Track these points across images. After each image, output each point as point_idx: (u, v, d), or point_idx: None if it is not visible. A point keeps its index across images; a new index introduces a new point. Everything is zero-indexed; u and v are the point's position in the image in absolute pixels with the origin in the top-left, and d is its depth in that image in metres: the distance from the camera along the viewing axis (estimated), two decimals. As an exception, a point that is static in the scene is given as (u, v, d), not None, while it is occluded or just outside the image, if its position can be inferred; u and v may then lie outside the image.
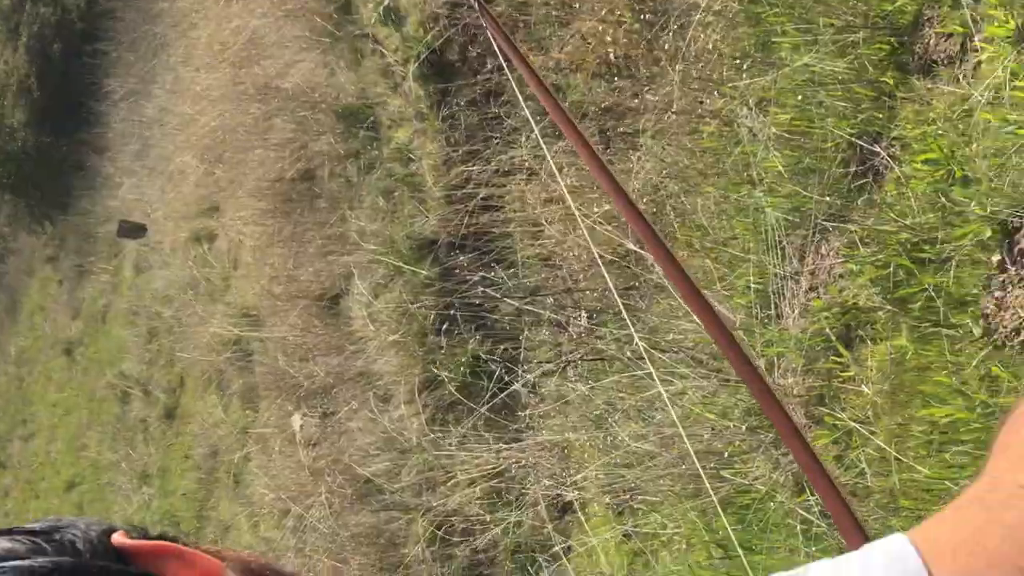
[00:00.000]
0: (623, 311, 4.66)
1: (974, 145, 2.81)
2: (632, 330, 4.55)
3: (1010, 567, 0.60)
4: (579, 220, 4.84)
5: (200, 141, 11.38)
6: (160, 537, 0.99)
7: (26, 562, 0.91)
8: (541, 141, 4.51)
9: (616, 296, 4.52)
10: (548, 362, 5.92)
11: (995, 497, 0.66)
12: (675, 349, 4.29)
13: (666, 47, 4.30)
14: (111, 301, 15.47)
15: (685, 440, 4.11)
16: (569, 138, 1.87)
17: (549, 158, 4.87)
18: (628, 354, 4.65)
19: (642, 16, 4.47)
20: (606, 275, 4.16)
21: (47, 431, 16.41)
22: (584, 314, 5.58)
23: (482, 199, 6.46)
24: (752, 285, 3.79)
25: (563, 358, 5.78)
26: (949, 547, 0.63)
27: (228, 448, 10.15)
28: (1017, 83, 2.65)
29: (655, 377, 4.37)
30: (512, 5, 5.94)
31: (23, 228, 20.65)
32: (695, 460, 4.08)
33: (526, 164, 5.88)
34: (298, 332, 8.70)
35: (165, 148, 13.32)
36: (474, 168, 6.48)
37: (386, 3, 7.43)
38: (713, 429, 3.89)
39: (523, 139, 5.86)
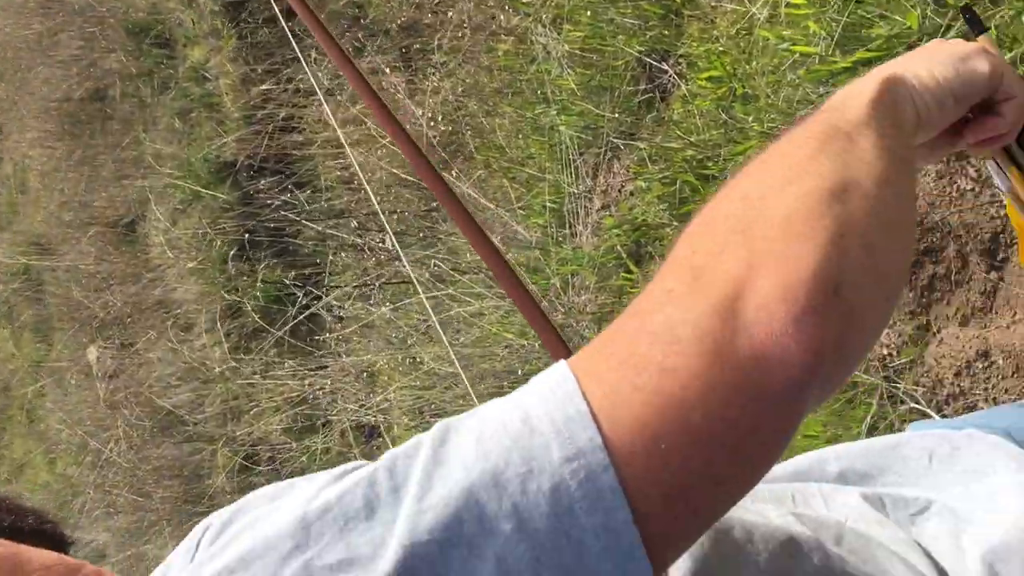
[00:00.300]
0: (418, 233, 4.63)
1: (754, 63, 2.87)
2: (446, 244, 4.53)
3: (655, 369, 0.59)
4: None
5: (-22, 58, 10.64)
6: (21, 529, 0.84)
7: None
8: (309, 68, 4.36)
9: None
10: (353, 286, 5.85)
11: (645, 305, 0.65)
12: (474, 271, 4.29)
13: (462, -35, 4.22)
14: None
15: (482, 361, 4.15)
16: (333, 59, 1.80)
17: (320, 82, 4.73)
18: (428, 276, 4.62)
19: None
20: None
21: None
22: (389, 237, 5.52)
23: (282, 119, 6.27)
24: (548, 205, 3.81)
25: (368, 281, 5.72)
26: (604, 362, 0.62)
27: (20, 383, 9.68)
28: (792, 0, 2.71)
29: (454, 297, 4.38)
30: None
31: None
32: (495, 378, 4.13)
33: (325, 84, 5.71)
34: (92, 260, 8.30)
35: (-59, 65, 12.39)
36: (274, 88, 6.27)
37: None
38: (510, 347, 3.92)
39: (323, 58, 5.68)
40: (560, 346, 1.64)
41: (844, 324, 0.62)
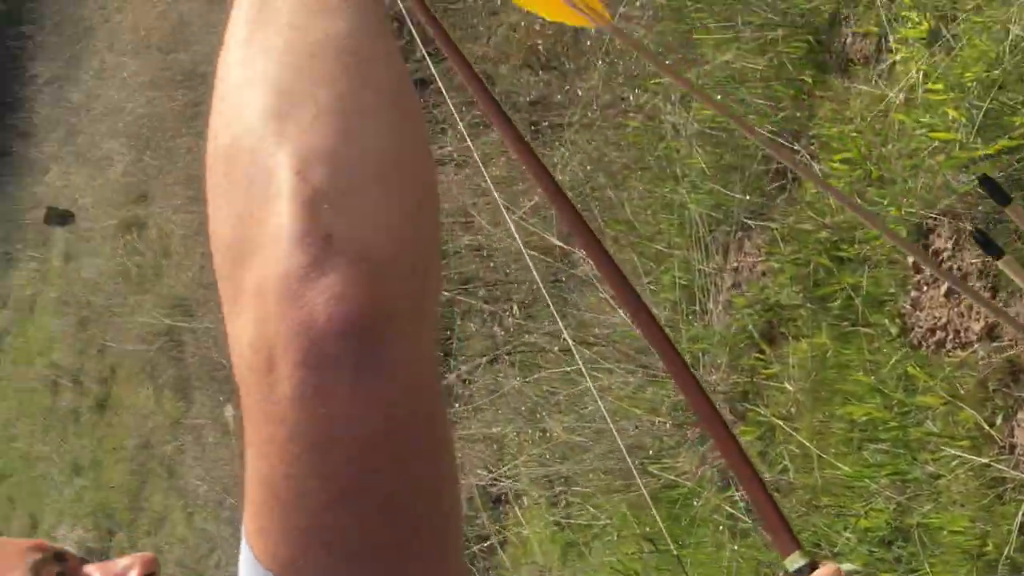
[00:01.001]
0: (551, 305, 4.66)
1: (889, 146, 2.83)
2: (560, 324, 4.56)
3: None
4: (505, 214, 4.82)
5: (127, 128, 11.19)
6: None
7: None
8: (466, 134, 4.47)
9: (544, 290, 4.52)
10: (482, 354, 5.91)
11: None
12: (603, 343, 4.29)
13: (589, 42, 4.28)
14: (40, 289, 15.18)
15: (616, 436, 4.13)
16: (495, 124, 1.83)
17: (475, 152, 4.84)
18: (558, 348, 4.65)
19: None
20: (533, 269, 4.14)
21: (-27, 424, 16.09)
22: (516, 306, 5.57)
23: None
24: (677, 281, 3.81)
25: (497, 350, 5.77)
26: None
27: (161, 439, 10.03)
28: (930, 85, 2.67)
29: (584, 372, 4.39)
30: (439, -7, 5.89)
31: (-53, 215, 20.21)
32: (624, 454, 4.11)
33: (455, 155, 5.83)
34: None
35: (92, 134, 13.05)
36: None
37: None
38: (640, 423, 3.91)
39: (451, 130, 5.81)
40: (714, 415, 1.62)
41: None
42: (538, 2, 1.10)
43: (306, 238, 0.54)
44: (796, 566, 1.29)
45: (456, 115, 5.62)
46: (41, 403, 13.55)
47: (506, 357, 5.58)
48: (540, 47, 5.02)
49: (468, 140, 4.42)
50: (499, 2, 5.29)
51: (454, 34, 5.89)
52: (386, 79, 0.61)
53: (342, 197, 0.55)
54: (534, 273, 4.10)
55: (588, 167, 4.40)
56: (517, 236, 4.18)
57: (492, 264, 5.86)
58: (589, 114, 4.45)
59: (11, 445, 14.15)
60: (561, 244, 4.18)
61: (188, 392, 9.69)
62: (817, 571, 1.28)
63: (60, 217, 13.94)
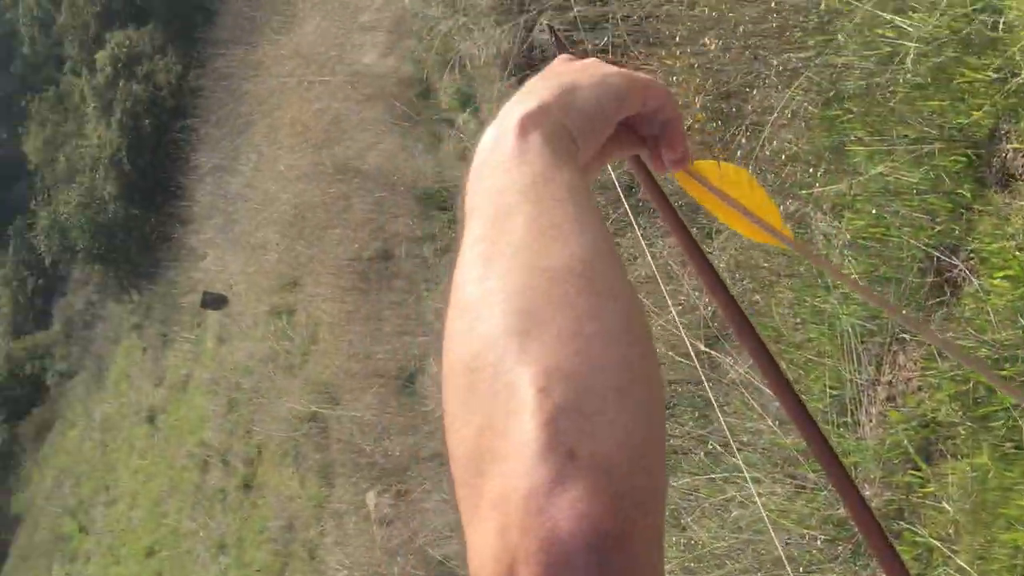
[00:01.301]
0: (717, 409, 4.64)
1: (1055, 264, 2.76)
2: (722, 423, 4.52)
3: None
4: (653, 313, 4.84)
5: (282, 217, 11.67)
6: None
7: None
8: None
9: (711, 394, 4.51)
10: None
11: None
12: (750, 450, 4.24)
13: (739, 148, 4.31)
14: (193, 370, 15.78)
15: (777, 545, 4.06)
16: (659, 210, 1.85)
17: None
18: (706, 450, 4.61)
19: (716, 117, 4.49)
20: (699, 368, 4.14)
21: (129, 497, 16.69)
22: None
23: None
24: (828, 391, 3.75)
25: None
26: None
27: (303, 523, 10.23)
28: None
29: (746, 477, 4.34)
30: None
31: (111, 297, 21.26)
32: (784, 563, 4.03)
33: (620, 246, 5.90)
34: (374, 410, 8.78)
35: (248, 223, 13.66)
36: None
37: (465, 90, 7.58)
38: (790, 535, 3.83)
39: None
40: (875, 529, 1.57)
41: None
42: (730, 217, 1.15)
43: (549, 454, 0.56)
44: None
45: (604, 212, 5.70)
46: (191, 481, 14.01)
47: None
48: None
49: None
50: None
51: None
52: (619, 301, 0.65)
53: (582, 414, 0.58)
54: (700, 372, 4.09)
55: (736, 272, 4.40)
56: (684, 329, 4.20)
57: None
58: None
59: (162, 521, 14.62)
60: (707, 349, 4.17)
61: (331, 477, 9.90)
62: None
63: (215, 301, 14.54)
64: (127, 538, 16.37)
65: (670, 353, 4.44)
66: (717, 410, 4.24)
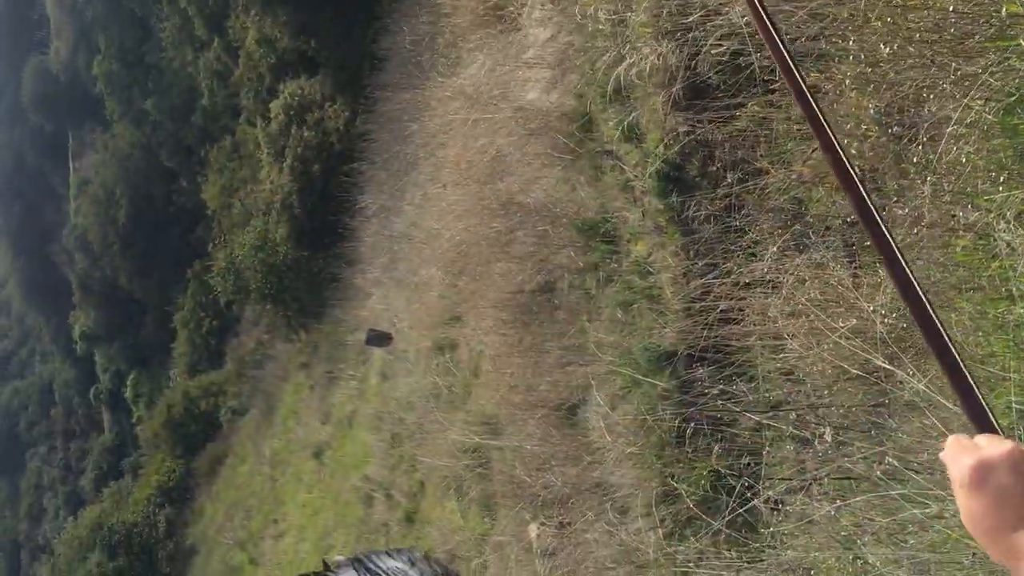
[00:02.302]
0: (884, 426, 4.52)
1: None
2: (884, 448, 4.41)
3: None
4: (826, 333, 4.76)
5: (445, 254, 11.92)
6: None
7: None
8: (778, 256, 4.50)
9: (885, 417, 4.41)
10: (791, 479, 5.77)
11: None
12: (930, 470, 4.11)
13: (915, 160, 4.22)
14: (358, 407, 16.21)
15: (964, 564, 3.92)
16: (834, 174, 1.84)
17: (788, 274, 4.84)
18: (878, 474, 4.48)
19: (890, 130, 4.42)
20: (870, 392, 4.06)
21: (296, 530, 17.17)
22: (829, 430, 5.43)
23: (721, 312, 6.44)
24: (1015, 406, 3.61)
25: (807, 475, 5.62)
26: None
27: (466, 554, 10.32)
28: None
29: (917, 498, 4.20)
30: (753, 120, 6.00)
31: (280, 336, 22.10)
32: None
33: (767, 277, 5.84)
34: (536, 441, 8.84)
35: (412, 261, 14.02)
36: (714, 281, 6.49)
37: (627, 120, 7.64)
38: (975, 555, 3.69)
39: (764, 252, 5.83)
40: None
41: None
42: None
43: None
44: None
45: (769, 238, 5.65)
46: (355, 514, 14.33)
47: (819, 482, 5.43)
48: (858, 169, 4.99)
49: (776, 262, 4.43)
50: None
51: (767, 161, 5.97)
52: None
53: None
54: (879, 386, 4.01)
55: (913, 287, 4.29)
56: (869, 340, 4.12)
57: (804, 388, 5.76)
58: (913, 234, 4.36)
59: (328, 554, 14.99)
60: (885, 364, 4.07)
61: (493, 509, 9.98)
62: None
63: (379, 339, 14.93)
64: (294, 570, 16.83)
65: (846, 366, 4.35)
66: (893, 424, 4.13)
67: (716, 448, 6.51)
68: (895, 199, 4.49)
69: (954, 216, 4.00)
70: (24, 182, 60.56)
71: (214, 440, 26.14)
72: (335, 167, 17.77)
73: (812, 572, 5.32)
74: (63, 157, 52.63)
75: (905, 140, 4.26)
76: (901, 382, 4.11)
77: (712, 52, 5.90)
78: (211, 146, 27.92)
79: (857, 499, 4.76)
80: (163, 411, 28.29)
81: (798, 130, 5.58)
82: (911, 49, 4.05)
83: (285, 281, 19.49)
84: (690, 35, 6.07)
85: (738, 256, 6.35)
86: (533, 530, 8.81)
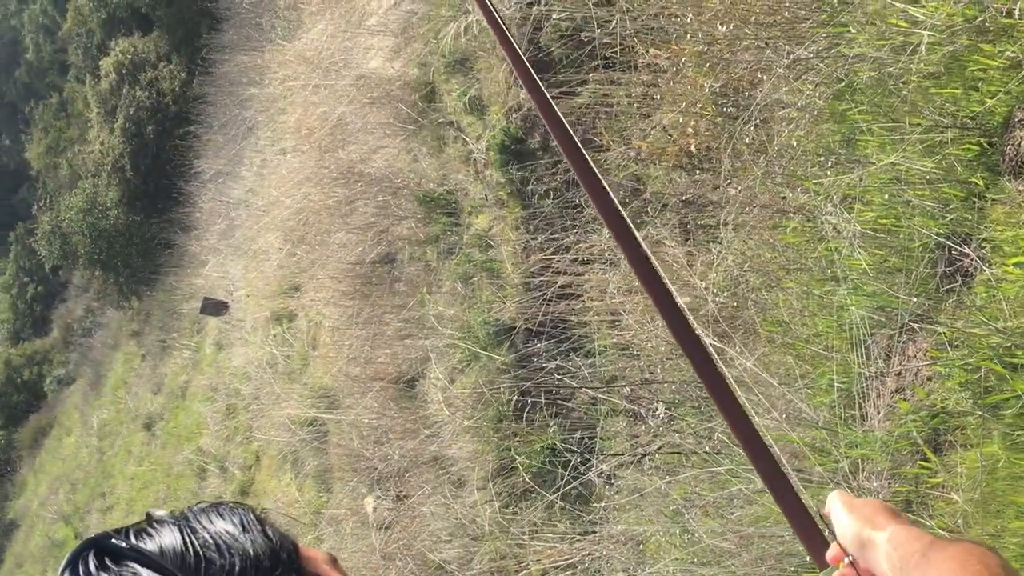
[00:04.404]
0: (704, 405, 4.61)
1: (1069, 249, 2.74)
2: (712, 424, 4.49)
3: None
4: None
5: (284, 223, 11.64)
6: None
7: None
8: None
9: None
10: (624, 453, 5.85)
11: None
12: (755, 446, 4.20)
13: (748, 141, 4.29)
14: (191, 377, 15.74)
15: (783, 541, 4.02)
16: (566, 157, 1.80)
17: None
18: (707, 449, 4.57)
19: (724, 109, 4.48)
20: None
21: (125, 504, 16.61)
22: (662, 406, 5.52)
23: (560, 287, 6.47)
24: (836, 384, 3.72)
25: (639, 450, 5.71)
26: None
27: (301, 529, 10.15)
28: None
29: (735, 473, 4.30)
30: (594, 97, 6.01)
31: (111, 303, 21.23)
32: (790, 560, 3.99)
33: (605, 254, 5.88)
34: (374, 414, 8.73)
35: (250, 229, 13.63)
36: (553, 256, 6.51)
37: (470, 92, 7.57)
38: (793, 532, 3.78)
39: (603, 228, 5.86)
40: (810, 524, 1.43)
41: None
42: None
43: None
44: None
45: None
46: (187, 487, 13.92)
47: (650, 457, 5.52)
48: (693, 148, 5.06)
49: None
50: (654, 104, 5.37)
51: (608, 136, 6.00)
52: None
53: None
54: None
55: (743, 266, 4.37)
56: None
57: (638, 364, 5.83)
58: (744, 214, 4.44)
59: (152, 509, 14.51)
60: (715, 342, 4.13)
61: (329, 482, 9.83)
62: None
63: (215, 307, 14.49)
64: (122, 545, 16.24)
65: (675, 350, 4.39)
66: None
67: (552, 423, 6.55)
68: (728, 180, 4.56)
69: (784, 198, 4.08)
70: None
71: (38, 411, 25.01)
72: (170, 129, 17.13)
73: (641, 544, 5.41)
74: None
75: (739, 121, 4.32)
76: (731, 359, 4.18)
77: (554, 26, 5.88)
78: (36, 103, 26.52)
79: (686, 474, 4.85)
80: (-16, 380, 26.93)
81: (637, 108, 5.62)
82: (747, 31, 4.10)
83: (116, 246, 18.70)
84: (533, 8, 6.03)
85: (577, 231, 6.38)
86: (370, 503, 8.71)
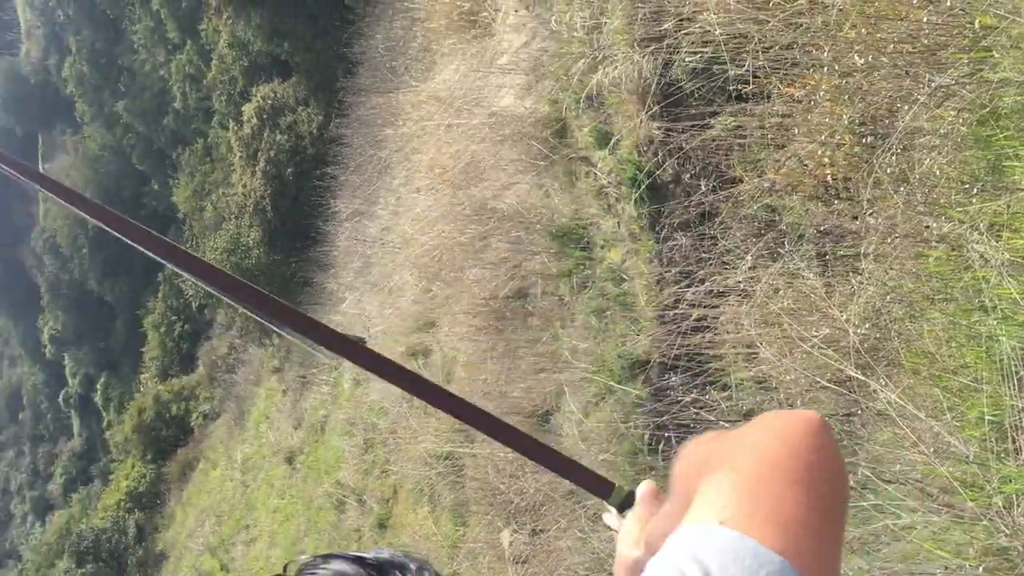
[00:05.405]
0: (843, 438, 4.52)
1: None
2: (856, 459, 4.40)
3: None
4: (799, 342, 4.75)
5: (419, 259, 11.87)
6: None
7: None
8: (752, 265, 4.49)
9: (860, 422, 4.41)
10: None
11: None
12: (901, 481, 4.11)
13: (888, 170, 4.22)
14: (330, 412, 16.10)
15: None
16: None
17: (762, 283, 4.83)
18: (851, 484, 4.47)
19: (863, 139, 4.42)
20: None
21: (267, 536, 17.04)
22: (802, 440, 5.41)
23: (695, 320, 6.43)
24: (986, 416, 3.61)
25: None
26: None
27: (438, 561, 10.25)
28: None
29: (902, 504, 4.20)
30: (726, 128, 5.99)
31: (253, 341, 21.95)
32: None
33: (741, 286, 5.83)
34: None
35: (385, 266, 13.95)
36: (688, 289, 6.48)
37: (601, 127, 7.62)
38: (946, 568, 3.68)
39: (738, 261, 5.83)
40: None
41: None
42: None
43: None
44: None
45: (743, 246, 5.65)
46: (327, 520, 14.23)
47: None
48: (830, 178, 5.00)
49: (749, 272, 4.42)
50: (789, 135, 5.33)
51: (740, 169, 5.97)
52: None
53: None
54: (849, 397, 4.00)
55: (885, 297, 4.29)
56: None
57: (776, 396, 5.75)
58: (885, 244, 4.36)
59: (299, 560, 14.84)
60: (858, 374, 4.07)
61: (465, 516, 9.92)
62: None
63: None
64: (265, 576, 16.69)
65: (817, 377, 4.35)
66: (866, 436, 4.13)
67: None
68: (868, 209, 4.49)
69: (927, 227, 4.00)
70: (-7, 184, 60.02)
71: (185, 445, 25.94)
72: (308, 171, 17.68)
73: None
74: (33, 159, 52.18)
75: (879, 150, 4.26)
76: (874, 392, 4.10)
77: (686, 59, 5.89)
78: (183, 149, 27.74)
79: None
80: (134, 415, 28.06)
81: (771, 139, 5.58)
82: (884, 59, 4.05)
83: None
84: (664, 42, 6.06)
85: (712, 264, 6.34)
86: (506, 537, 8.75)
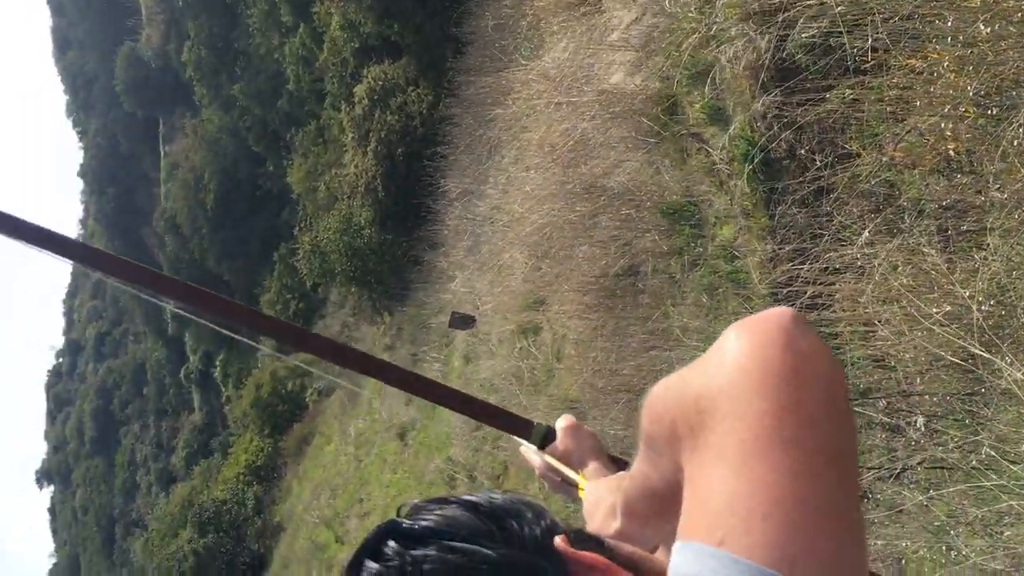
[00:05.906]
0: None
1: None
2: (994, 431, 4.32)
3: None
4: (920, 319, 4.67)
5: (528, 238, 11.92)
6: (593, 541, 1.13)
7: (478, 548, 1.02)
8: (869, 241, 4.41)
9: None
10: (881, 467, 5.68)
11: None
12: (1027, 461, 4.01)
13: (1016, 142, 4.11)
14: (441, 388, 16.28)
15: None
16: None
17: (879, 259, 4.75)
18: (973, 463, 4.39)
19: (988, 111, 4.31)
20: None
21: (380, 510, 17.38)
22: (922, 418, 5.33)
23: (809, 297, 6.35)
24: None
25: (898, 463, 5.53)
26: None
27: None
28: None
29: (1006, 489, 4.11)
30: (843, 102, 5.88)
31: (365, 319, 22.37)
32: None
33: (857, 263, 5.73)
34: (620, 426, 8.80)
35: (495, 244, 14.05)
36: (802, 266, 6.40)
37: (714, 103, 7.55)
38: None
39: (854, 237, 5.73)
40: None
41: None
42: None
43: None
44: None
45: (860, 222, 5.55)
46: (438, 495, 14.44)
47: (910, 471, 5.33)
48: (953, 151, 4.88)
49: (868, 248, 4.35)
50: (909, 108, 5.21)
51: (857, 144, 5.86)
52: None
53: None
54: (974, 374, 3.93)
55: (1012, 274, 4.18)
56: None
57: (895, 376, 5.65)
58: (1011, 218, 4.25)
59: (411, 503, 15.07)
60: (982, 352, 3.98)
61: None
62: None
63: (463, 321, 14.98)
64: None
65: (942, 352, 4.26)
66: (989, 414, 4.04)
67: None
68: (993, 183, 4.38)
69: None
70: (117, 167, 62.13)
71: (301, 420, 26.59)
72: (418, 151, 17.86)
73: (902, 560, 5.24)
74: (154, 142, 53.86)
75: (1004, 122, 4.15)
76: (998, 370, 4.01)
77: (801, 34, 5.80)
78: (296, 130, 28.27)
79: (950, 489, 4.67)
80: (251, 391, 28.85)
81: (890, 112, 5.47)
82: (1012, 28, 3.93)
83: (369, 264, 19.68)
84: (779, 16, 5.97)
85: (827, 241, 6.24)
86: (617, 515, 8.78)
